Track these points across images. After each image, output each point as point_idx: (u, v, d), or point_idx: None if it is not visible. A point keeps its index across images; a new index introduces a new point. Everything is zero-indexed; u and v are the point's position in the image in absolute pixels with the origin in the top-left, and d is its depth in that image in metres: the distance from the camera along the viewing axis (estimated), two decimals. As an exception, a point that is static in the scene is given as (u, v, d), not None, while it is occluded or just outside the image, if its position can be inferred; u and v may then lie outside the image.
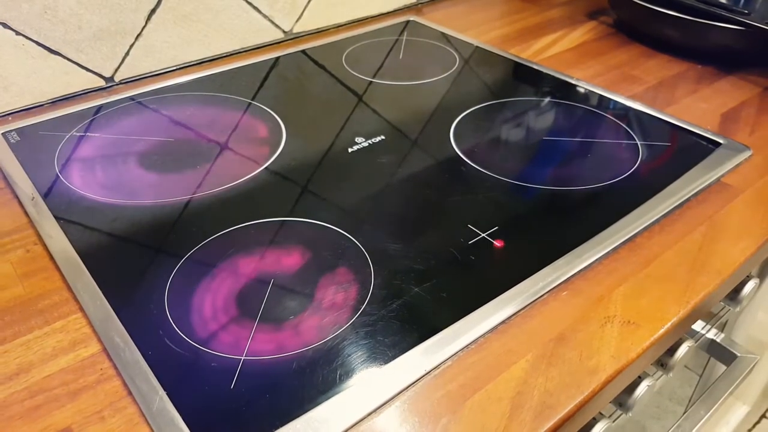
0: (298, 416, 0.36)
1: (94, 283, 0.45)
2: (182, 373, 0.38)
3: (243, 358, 0.39)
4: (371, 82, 0.74)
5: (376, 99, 0.70)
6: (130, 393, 0.38)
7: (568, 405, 0.37)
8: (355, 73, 0.75)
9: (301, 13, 0.83)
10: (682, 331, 0.46)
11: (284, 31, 0.83)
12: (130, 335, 0.41)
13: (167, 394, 0.37)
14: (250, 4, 0.78)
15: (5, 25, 0.62)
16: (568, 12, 0.96)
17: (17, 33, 0.63)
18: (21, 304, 0.44)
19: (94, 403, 0.37)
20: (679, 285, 0.46)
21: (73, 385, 0.38)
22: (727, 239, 0.50)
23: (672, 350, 0.50)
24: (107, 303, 0.43)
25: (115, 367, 0.39)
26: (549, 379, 0.38)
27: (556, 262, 0.46)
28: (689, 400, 0.84)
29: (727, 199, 0.55)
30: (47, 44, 0.65)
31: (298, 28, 0.84)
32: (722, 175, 0.57)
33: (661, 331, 0.42)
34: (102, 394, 0.38)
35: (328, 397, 0.37)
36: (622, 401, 0.47)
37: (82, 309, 0.43)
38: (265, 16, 0.80)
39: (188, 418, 0.36)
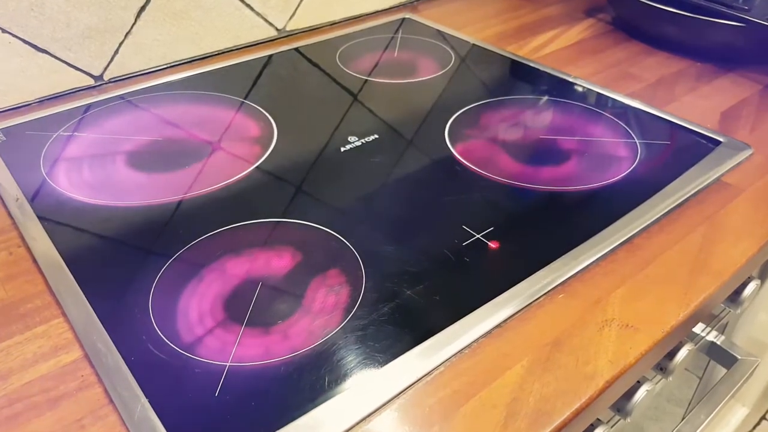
0: (285, 425, 0.35)
1: (77, 287, 0.44)
2: (165, 380, 0.37)
3: (228, 364, 0.38)
4: (366, 80, 0.73)
5: (371, 97, 0.69)
6: (111, 401, 0.36)
7: (565, 412, 0.36)
8: (349, 72, 0.74)
9: (295, 11, 0.82)
10: (682, 334, 0.45)
11: (277, 29, 0.82)
12: (112, 340, 0.40)
13: (149, 401, 0.36)
14: (242, 1, 0.76)
15: (-9, 23, 0.61)
16: (566, 9, 0.95)
17: (3, 31, 0.61)
18: (2, 309, 0.43)
19: (74, 411, 0.36)
20: (679, 287, 0.44)
21: (54, 393, 0.37)
22: (727, 240, 0.49)
23: (671, 354, 0.48)
24: (90, 307, 0.42)
25: (97, 374, 0.38)
26: (545, 384, 0.37)
27: (552, 263, 0.45)
28: (689, 403, 0.83)
29: (728, 198, 0.54)
30: (34, 42, 0.64)
31: (292, 26, 0.83)
32: (722, 174, 0.56)
33: (661, 334, 0.41)
34: (83, 401, 0.37)
35: (316, 405, 0.36)
36: (621, 406, 0.45)
37: (64, 313, 0.42)
38: (257, 14, 0.79)
39: (170, 426, 0.34)
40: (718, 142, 0.60)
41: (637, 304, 0.43)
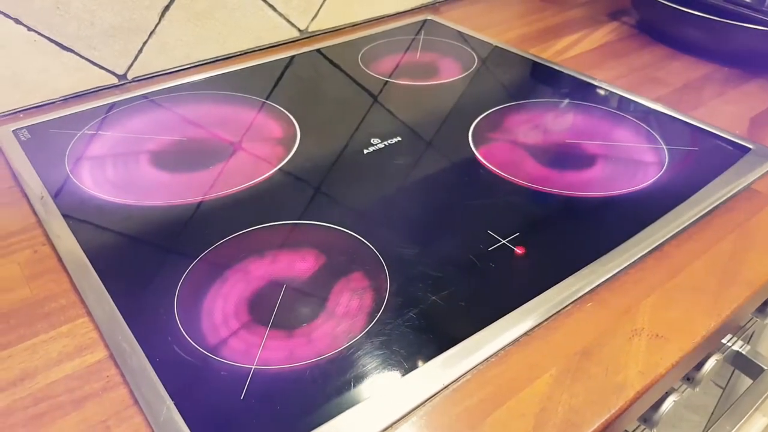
0: (310, 431, 0.34)
1: (102, 286, 0.43)
2: (191, 382, 0.37)
3: (253, 367, 0.38)
4: (387, 81, 0.72)
5: (393, 99, 0.69)
6: (136, 402, 0.36)
7: (595, 423, 0.35)
8: (370, 73, 0.74)
9: (317, 12, 0.82)
10: (711, 345, 0.44)
11: (300, 30, 0.82)
12: (137, 341, 0.39)
13: (175, 403, 0.35)
14: (265, 1, 0.76)
15: (17, 21, 0.61)
16: (589, 12, 0.94)
17: (29, 29, 0.62)
18: (27, 307, 0.43)
19: (99, 411, 0.36)
20: (709, 296, 0.44)
21: (78, 393, 0.37)
22: (758, 248, 0.48)
23: (699, 364, 0.48)
24: (115, 306, 0.42)
25: (122, 374, 0.38)
26: (574, 395, 0.37)
27: (580, 271, 0.44)
28: (711, 413, 0.82)
29: (758, 206, 0.53)
30: (59, 40, 0.64)
31: (314, 27, 0.83)
32: (752, 182, 0.55)
33: (691, 345, 0.40)
34: (107, 402, 0.37)
35: (341, 411, 0.35)
36: (647, 417, 0.45)
37: (89, 312, 0.42)
38: (280, 15, 0.79)
39: (196, 429, 0.34)
40: (747, 149, 0.59)
41: (667, 314, 0.42)
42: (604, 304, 0.43)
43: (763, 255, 0.48)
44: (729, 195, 0.53)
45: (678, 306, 0.43)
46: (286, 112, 0.65)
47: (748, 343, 0.67)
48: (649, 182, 0.55)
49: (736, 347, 0.62)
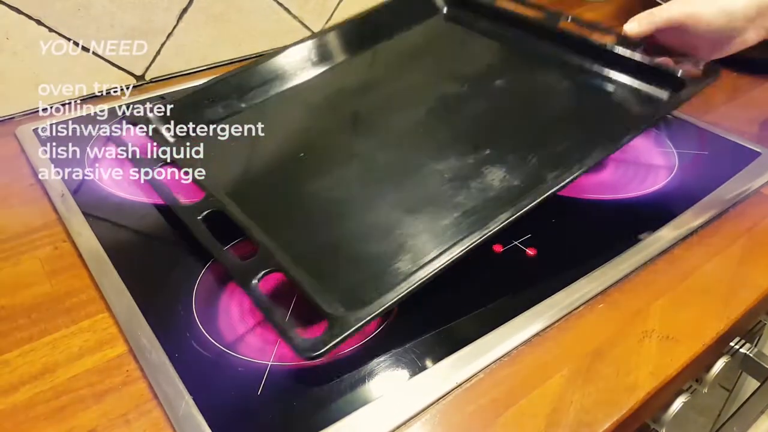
0: (325, 426, 0.35)
1: (122, 282, 0.44)
2: (209, 378, 0.38)
3: (270, 363, 0.39)
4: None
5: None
6: (155, 396, 0.37)
7: (606, 423, 0.36)
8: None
9: (332, 14, 0.83)
10: (721, 347, 0.45)
11: (314, 32, 0.83)
12: (156, 336, 0.40)
13: (193, 398, 0.36)
14: (280, 5, 0.77)
15: (39, 22, 0.62)
16: (599, 16, 0.94)
17: (50, 30, 0.63)
18: (48, 302, 0.44)
19: (119, 405, 0.37)
20: (719, 299, 0.44)
21: (99, 387, 0.38)
22: (767, 252, 0.49)
23: (708, 366, 0.48)
24: (134, 303, 0.43)
25: (141, 369, 0.39)
26: (585, 395, 0.37)
27: (591, 273, 0.45)
28: (719, 413, 0.82)
29: (767, 210, 0.53)
30: (79, 41, 0.65)
31: (328, 29, 0.84)
32: (761, 186, 0.55)
33: (701, 347, 0.40)
34: (127, 396, 0.37)
35: (356, 408, 0.36)
36: (656, 417, 0.45)
37: (109, 308, 0.43)
38: (295, 17, 0.79)
39: (214, 424, 0.35)
40: (757, 154, 0.59)
41: (678, 316, 0.43)
42: (615, 305, 0.43)
43: (772, 259, 0.48)
44: (738, 199, 0.53)
45: (688, 308, 0.43)
46: (301, 114, 0.66)
47: (755, 345, 0.67)
48: (659, 186, 0.55)
49: (744, 350, 0.62)
